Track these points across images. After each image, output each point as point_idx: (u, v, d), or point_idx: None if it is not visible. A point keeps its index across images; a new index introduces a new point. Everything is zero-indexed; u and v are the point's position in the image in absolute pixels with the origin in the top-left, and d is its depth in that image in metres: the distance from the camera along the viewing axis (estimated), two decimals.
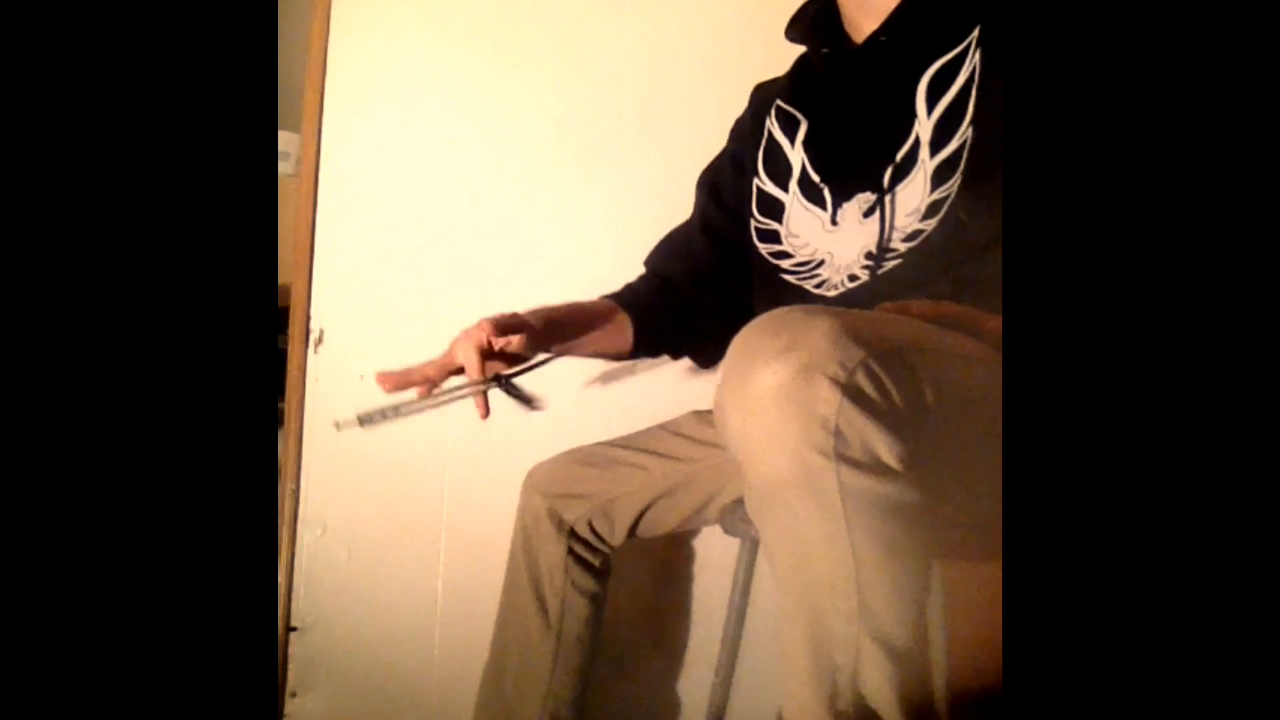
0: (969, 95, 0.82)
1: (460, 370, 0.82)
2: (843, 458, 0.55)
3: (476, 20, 1.31)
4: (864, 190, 0.89)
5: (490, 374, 0.81)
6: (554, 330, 0.91)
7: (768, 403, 0.55)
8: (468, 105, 1.30)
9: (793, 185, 0.97)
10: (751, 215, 1.01)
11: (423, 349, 1.29)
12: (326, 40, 1.27)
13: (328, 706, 1.24)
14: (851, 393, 0.54)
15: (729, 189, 1.07)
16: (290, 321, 1.26)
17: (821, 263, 0.93)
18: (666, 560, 1.32)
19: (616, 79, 1.33)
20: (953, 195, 0.82)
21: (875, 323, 0.61)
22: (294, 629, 1.23)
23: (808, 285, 0.93)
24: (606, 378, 1.30)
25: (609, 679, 1.18)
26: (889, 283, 0.85)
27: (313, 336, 1.25)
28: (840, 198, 0.92)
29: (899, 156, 0.86)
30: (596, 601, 1.07)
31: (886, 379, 0.56)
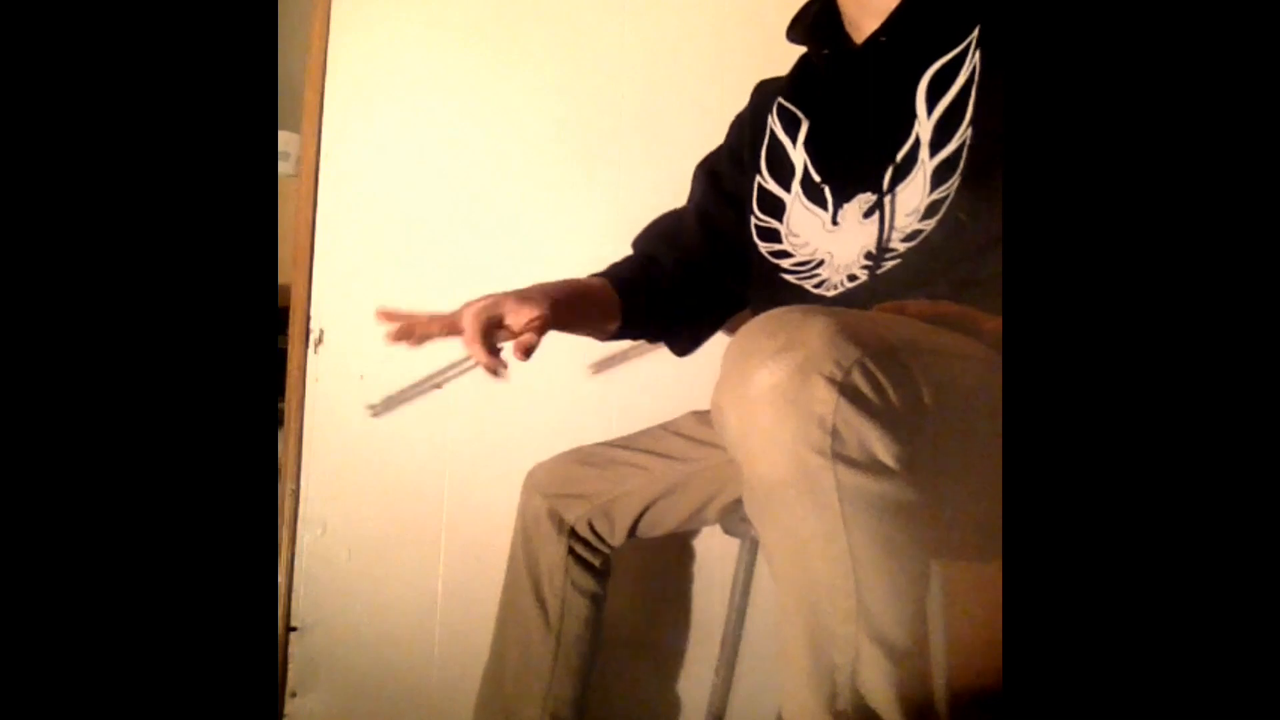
0: (968, 95, 0.82)
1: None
2: (840, 457, 0.55)
3: (476, 20, 1.31)
4: (865, 190, 0.89)
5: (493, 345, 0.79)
6: (562, 314, 0.89)
7: (765, 403, 0.56)
8: (468, 105, 1.30)
9: (795, 185, 0.97)
10: (752, 212, 1.01)
11: (423, 349, 1.29)
12: (326, 40, 1.27)
13: (328, 706, 1.24)
14: (848, 392, 0.54)
15: (728, 179, 1.07)
16: (290, 321, 1.26)
17: (821, 262, 0.93)
18: (666, 560, 1.32)
19: (616, 79, 1.33)
20: (952, 195, 0.82)
21: (872, 322, 0.61)
22: (294, 629, 1.23)
23: (807, 285, 0.93)
24: (605, 374, 1.30)
25: (609, 679, 1.18)
26: (888, 283, 0.85)
27: (313, 336, 1.25)
28: (841, 198, 0.92)
29: (899, 157, 0.86)
30: (596, 601, 1.07)
31: (883, 378, 0.56)
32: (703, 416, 1.08)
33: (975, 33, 0.83)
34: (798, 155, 0.98)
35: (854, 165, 0.91)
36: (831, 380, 0.54)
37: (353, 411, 1.25)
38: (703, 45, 1.35)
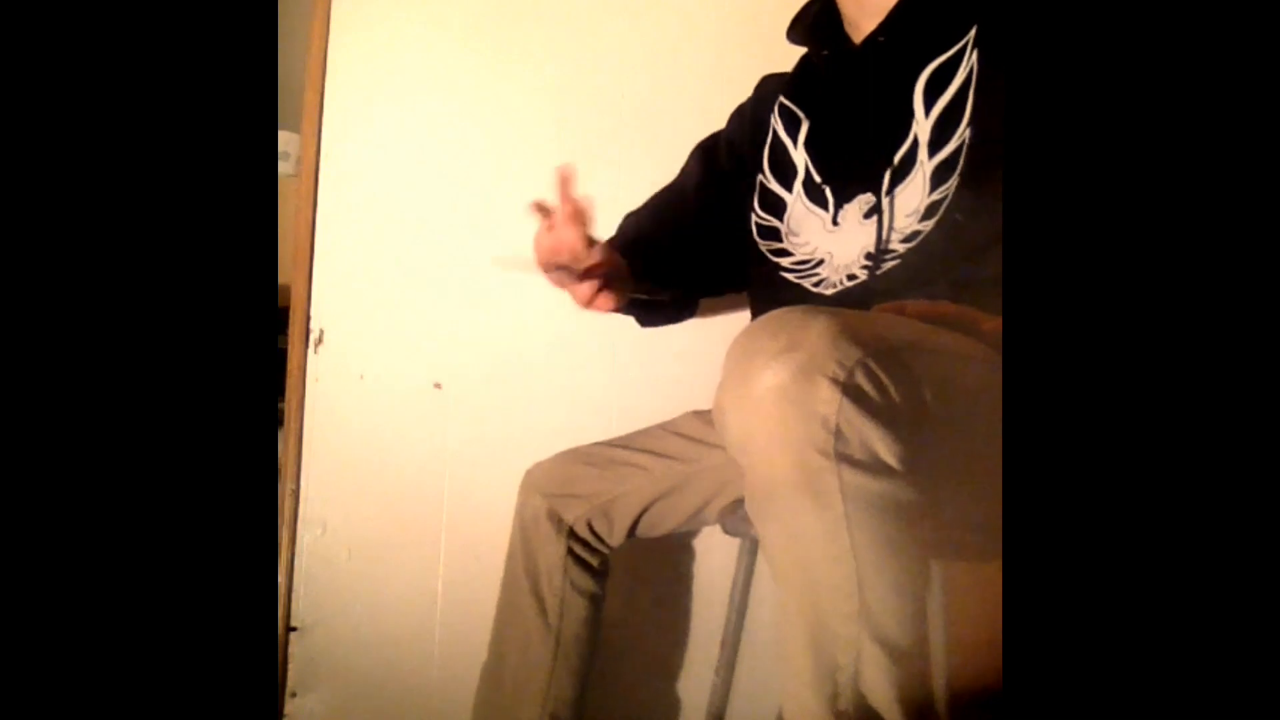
0: (966, 96, 0.82)
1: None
2: (843, 457, 0.55)
3: (476, 20, 1.31)
4: (865, 191, 0.89)
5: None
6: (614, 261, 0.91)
7: (768, 403, 0.56)
8: (468, 105, 1.30)
9: (797, 186, 0.97)
10: (753, 210, 1.01)
11: (423, 349, 1.29)
12: (326, 40, 1.27)
13: (328, 706, 1.24)
14: (851, 392, 0.54)
15: (723, 159, 1.09)
16: (290, 321, 1.26)
17: (821, 262, 0.93)
18: (666, 560, 1.32)
19: (616, 79, 1.33)
20: (950, 196, 0.82)
21: (873, 323, 0.61)
22: (294, 629, 1.23)
23: (806, 283, 0.93)
24: (605, 374, 1.30)
25: (609, 679, 1.18)
26: (888, 283, 0.85)
27: (313, 336, 1.25)
28: (842, 198, 0.92)
29: (898, 157, 0.86)
30: (595, 601, 1.07)
31: (885, 378, 0.56)
32: (703, 416, 1.07)
33: (972, 33, 0.83)
34: (799, 156, 0.98)
35: (854, 166, 0.91)
36: (834, 380, 0.54)
37: (353, 411, 1.25)
38: (703, 45, 1.35)
